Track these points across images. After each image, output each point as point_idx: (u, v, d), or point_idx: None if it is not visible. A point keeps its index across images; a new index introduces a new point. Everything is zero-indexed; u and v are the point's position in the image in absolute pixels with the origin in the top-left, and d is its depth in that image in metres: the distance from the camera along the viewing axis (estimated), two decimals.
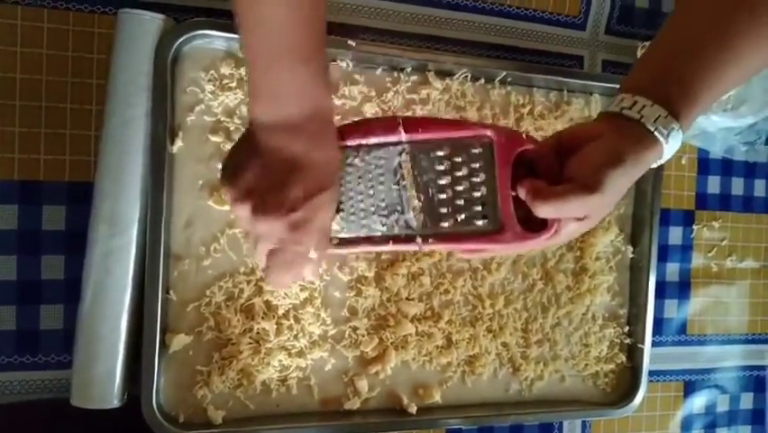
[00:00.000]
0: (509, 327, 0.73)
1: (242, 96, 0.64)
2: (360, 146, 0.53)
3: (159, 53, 0.60)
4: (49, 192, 0.63)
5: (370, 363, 0.69)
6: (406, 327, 0.69)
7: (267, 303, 0.65)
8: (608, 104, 0.53)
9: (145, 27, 0.60)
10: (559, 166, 0.52)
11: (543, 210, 0.49)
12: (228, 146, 0.64)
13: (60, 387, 0.64)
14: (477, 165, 0.53)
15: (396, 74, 0.69)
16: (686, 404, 0.89)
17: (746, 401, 0.93)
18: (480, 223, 0.53)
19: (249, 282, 0.65)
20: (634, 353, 0.80)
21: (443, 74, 0.70)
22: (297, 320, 0.66)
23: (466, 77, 0.71)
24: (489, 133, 0.53)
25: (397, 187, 0.52)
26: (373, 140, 0.52)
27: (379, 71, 0.68)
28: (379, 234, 0.54)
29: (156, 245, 0.60)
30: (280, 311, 0.65)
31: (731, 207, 0.91)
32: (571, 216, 0.51)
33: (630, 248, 0.80)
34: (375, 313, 0.69)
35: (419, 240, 0.53)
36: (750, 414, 0.93)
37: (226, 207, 0.64)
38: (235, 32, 0.62)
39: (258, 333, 0.65)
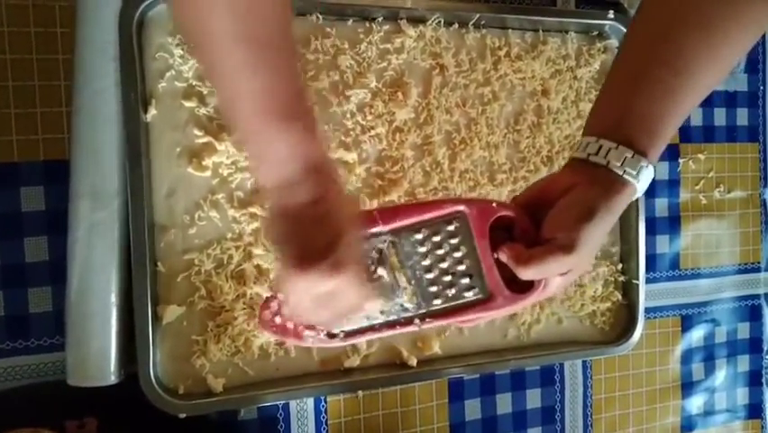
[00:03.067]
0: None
1: None
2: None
3: (122, 20, 0.59)
4: (25, 173, 0.62)
5: None
6: None
7: (258, 267, 0.65)
8: (576, 147, 0.52)
9: None
10: (535, 225, 0.52)
11: (526, 274, 0.50)
12: (203, 110, 0.63)
13: (56, 369, 0.63)
14: (456, 240, 0.54)
15: (367, 24, 0.68)
16: (684, 338, 0.89)
17: (743, 331, 0.94)
18: (470, 294, 0.54)
19: (237, 248, 0.64)
20: (629, 290, 0.80)
21: (416, 21, 0.69)
22: None
23: (439, 22, 0.69)
24: (461, 208, 0.54)
25: (386, 274, 0.54)
26: None
27: (350, 22, 0.67)
28: (380, 320, 0.55)
29: (139, 217, 0.59)
30: (272, 275, 0.65)
31: (715, 139, 0.90)
32: (553, 275, 0.52)
33: None
34: None
35: (417, 321, 0.55)
36: (747, 343, 0.94)
37: (207, 174, 0.63)
38: None
39: (251, 298, 0.64)
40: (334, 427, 0.71)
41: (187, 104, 0.62)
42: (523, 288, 0.53)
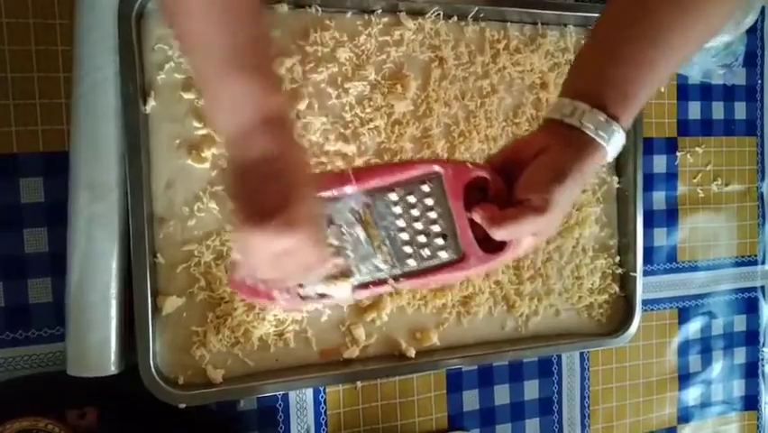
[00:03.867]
0: (501, 266, 0.74)
1: None
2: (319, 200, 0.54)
3: (122, 12, 0.59)
4: (24, 165, 0.62)
5: (366, 311, 0.69)
6: None
7: None
8: (551, 108, 0.53)
9: None
10: (508, 185, 0.53)
11: (499, 234, 0.51)
12: (202, 102, 0.62)
13: (56, 360, 0.63)
14: (430, 201, 0.54)
15: (366, 17, 0.68)
16: (681, 331, 0.90)
17: (739, 323, 0.94)
18: (443, 255, 0.54)
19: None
20: (626, 282, 0.80)
21: (415, 14, 0.69)
22: None
23: (438, 15, 0.69)
24: (435, 168, 0.54)
25: (360, 235, 0.54)
26: (328, 193, 0.53)
27: (349, 15, 0.67)
28: (356, 283, 0.55)
29: (138, 209, 0.60)
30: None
31: (713, 132, 0.91)
32: (525, 235, 0.52)
33: (615, 178, 0.80)
34: None
35: (391, 281, 0.54)
36: (743, 335, 0.95)
37: (206, 165, 0.63)
38: None
39: None
40: (333, 417, 0.72)
41: (187, 95, 0.62)
42: (495, 247, 0.54)
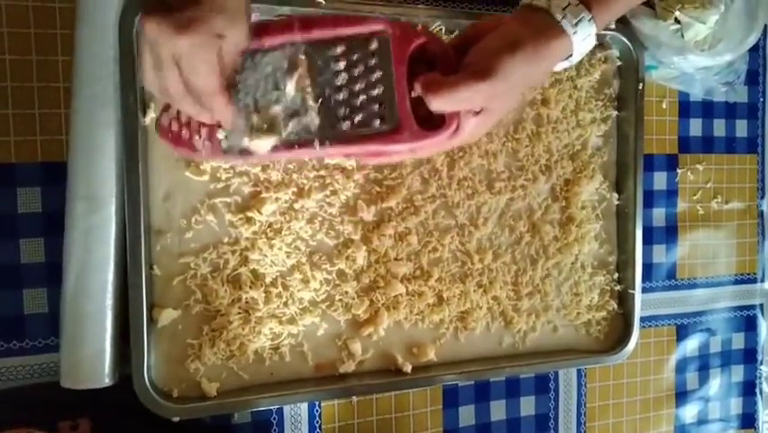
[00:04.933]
0: (499, 281, 0.73)
1: None
2: (256, 50, 0.51)
3: (123, 23, 0.58)
4: (22, 174, 0.62)
5: (363, 326, 0.68)
6: (396, 288, 0.68)
7: (254, 272, 0.65)
8: None
9: None
10: (459, 62, 0.50)
11: (436, 102, 0.48)
12: None
13: (50, 371, 0.63)
14: (373, 62, 0.51)
15: None
16: (679, 348, 0.90)
17: (738, 341, 0.94)
18: (377, 124, 0.52)
19: (234, 252, 0.64)
20: (625, 299, 0.80)
21: None
22: (286, 287, 0.65)
23: (440, 30, 0.69)
24: (383, 27, 0.51)
25: (293, 90, 0.51)
26: (269, 42, 0.50)
27: None
28: (279, 142, 0.52)
29: (136, 221, 0.59)
30: (268, 279, 0.65)
31: (714, 149, 0.90)
32: (465, 107, 0.49)
33: (615, 195, 0.79)
34: (364, 275, 0.68)
35: (317, 143, 0.52)
36: (742, 353, 0.94)
37: (205, 178, 0.63)
38: None
39: (246, 302, 0.64)
40: (328, 432, 0.72)
41: None
42: (436, 129, 0.51)
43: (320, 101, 0.51)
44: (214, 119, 0.50)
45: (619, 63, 0.78)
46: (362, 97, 0.52)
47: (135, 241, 0.59)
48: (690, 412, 0.91)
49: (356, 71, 0.52)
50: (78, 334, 0.58)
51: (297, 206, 0.65)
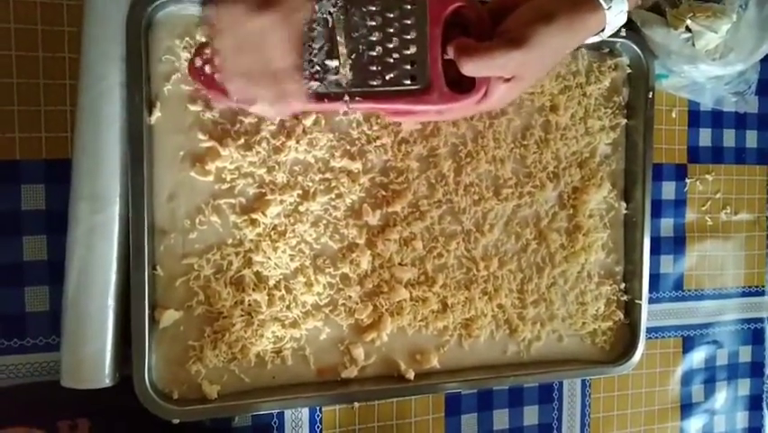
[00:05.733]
0: (504, 289, 0.73)
1: None
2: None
3: (130, 22, 0.58)
4: (26, 171, 0.61)
5: (366, 331, 0.68)
6: (400, 293, 0.68)
7: (257, 274, 0.64)
8: None
9: None
10: (494, 28, 0.51)
11: (468, 66, 0.49)
12: (208, 115, 0.62)
13: (50, 369, 0.62)
14: (409, 22, 0.52)
15: None
16: (685, 360, 0.88)
17: (744, 354, 0.93)
18: (407, 83, 0.53)
19: (237, 254, 0.63)
20: (631, 310, 0.79)
21: None
22: (289, 290, 0.65)
23: None
24: None
25: (327, 43, 0.52)
26: None
27: None
28: (310, 91, 0.53)
29: (139, 221, 0.59)
30: (271, 282, 0.64)
31: (723, 160, 0.90)
32: (496, 73, 0.50)
33: (623, 204, 0.79)
34: (368, 280, 0.68)
35: (346, 98, 0.53)
36: (749, 367, 0.93)
37: (209, 178, 0.62)
38: None
39: (249, 305, 0.64)
40: None
41: (193, 107, 0.62)
42: (465, 91, 0.52)
43: (353, 56, 0.52)
44: (288, 106, 0.51)
45: (629, 71, 0.77)
46: (395, 56, 0.52)
47: (138, 241, 0.59)
48: (695, 425, 0.90)
49: (391, 29, 0.52)
50: (80, 333, 0.58)
51: (301, 208, 0.65)
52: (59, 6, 0.61)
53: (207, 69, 0.53)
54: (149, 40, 0.60)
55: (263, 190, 0.64)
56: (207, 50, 0.53)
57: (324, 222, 0.66)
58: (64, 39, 0.62)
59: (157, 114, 0.60)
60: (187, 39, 0.61)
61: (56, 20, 0.61)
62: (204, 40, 0.55)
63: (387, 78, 0.53)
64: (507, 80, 0.51)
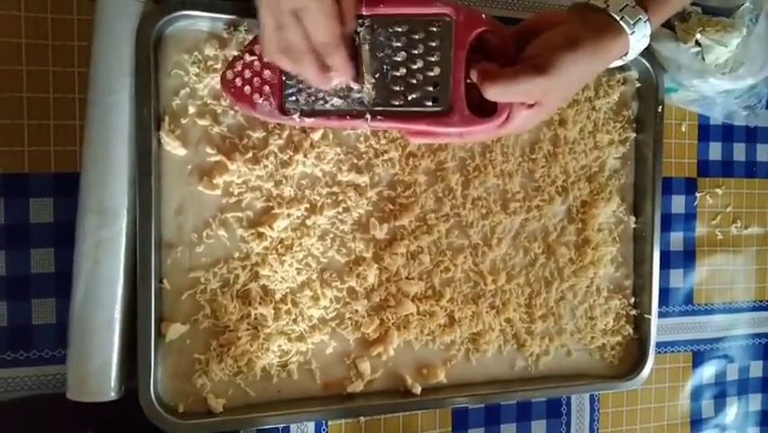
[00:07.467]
0: (512, 303, 0.72)
1: None
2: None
3: (140, 36, 0.59)
4: (35, 184, 0.62)
5: (372, 345, 0.67)
6: (407, 307, 0.67)
7: (263, 288, 0.64)
8: None
9: (125, 10, 0.59)
10: (517, 54, 0.51)
11: (491, 91, 0.49)
12: (216, 129, 0.62)
13: (56, 382, 0.62)
14: (434, 44, 0.53)
15: None
16: (695, 375, 0.88)
17: (756, 369, 0.92)
18: (429, 104, 0.53)
19: (244, 268, 0.63)
20: (640, 324, 0.78)
21: None
22: (296, 304, 0.65)
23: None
24: (448, 11, 0.52)
25: (353, 61, 0.52)
26: None
27: None
28: (333, 108, 0.54)
29: (147, 234, 0.59)
30: (278, 296, 0.64)
31: (733, 174, 0.89)
32: (519, 99, 0.50)
33: (633, 218, 0.78)
34: (375, 294, 0.68)
35: (368, 116, 0.54)
36: (760, 382, 0.92)
37: (217, 192, 0.63)
38: (218, 12, 0.61)
39: (256, 318, 0.64)
40: None
41: (201, 122, 0.62)
42: (486, 115, 0.52)
43: (377, 75, 0.53)
44: (333, 77, 0.51)
45: (639, 85, 0.77)
46: (419, 77, 0.53)
47: (145, 254, 0.59)
48: None
49: (415, 51, 0.53)
50: (86, 346, 0.58)
51: (308, 222, 0.65)
52: (69, 21, 0.62)
53: (238, 81, 0.55)
54: (158, 54, 0.61)
55: (270, 204, 0.64)
56: (239, 64, 0.55)
57: (331, 235, 0.66)
58: (74, 53, 0.62)
59: (166, 128, 0.61)
60: (196, 54, 0.61)
61: (66, 35, 0.62)
62: (236, 53, 0.55)
63: (409, 98, 0.53)
64: (530, 106, 0.51)
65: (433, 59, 0.53)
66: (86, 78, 0.60)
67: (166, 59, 0.61)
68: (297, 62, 0.50)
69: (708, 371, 0.88)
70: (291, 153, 0.64)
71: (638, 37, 0.50)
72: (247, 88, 0.55)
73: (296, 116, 0.55)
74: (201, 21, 0.62)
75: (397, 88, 0.53)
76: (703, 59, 0.75)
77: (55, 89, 0.62)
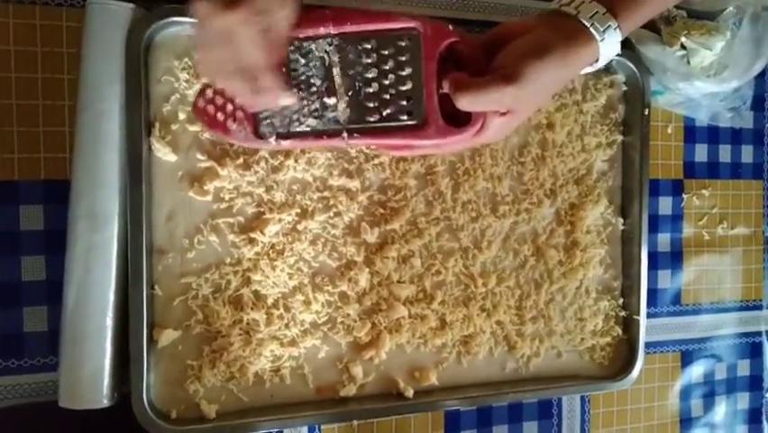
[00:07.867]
0: (503, 305, 0.73)
1: None
2: (291, 40, 0.52)
3: (130, 43, 0.59)
4: (25, 192, 0.61)
5: (364, 349, 0.68)
6: (398, 311, 0.68)
7: (255, 293, 0.64)
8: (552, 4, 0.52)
9: (114, 17, 0.59)
10: (488, 62, 0.51)
11: (463, 101, 0.49)
12: (206, 135, 0.62)
13: (48, 390, 0.62)
14: (404, 58, 0.53)
15: None
16: (684, 374, 0.89)
17: (743, 368, 0.93)
18: (404, 118, 0.53)
19: (236, 273, 0.63)
20: (629, 325, 0.79)
21: None
22: (288, 309, 0.65)
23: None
24: (415, 25, 0.53)
25: (325, 81, 0.53)
26: (302, 34, 0.52)
27: None
28: (309, 129, 0.54)
29: (138, 240, 0.59)
30: (269, 301, 0.64)
31: (719, 175, 0.90)
32: (492, 107, 0.50)
33: (620, 220, 0.79)
34: (367, 298, 0.68)
35: (345, 135, 0.53)
36: (747, 380, 0.93)
37: (208, 198, 0.63)
38: None
39: (248, 324, 0.64)
40: None
41: (191, 128, 0.62)
42: (461, 125, 0.52)
43: (350, 93, 0.53)
44: (261, 98, 0.51)
45: (625, 88, 0.78)
46: (391, 92, 0.53)
47: (137, 260, 0.59)
48: None
49: (386, 66, 0.53)
50: (78, 353, 0.58)
51: (300, 227, 0.65)
52: (58, 28, 0.62)
53: (210, 109, 0.54)
54: (148, 60, 0.61)
55: (262, 209, 0.64)
56: (209, 91, 0.54)
57: (323, 240, 0.67)
58: (63, 60, 0.62)
59: (156, 134, 0.61)
60: (186, 60, 0.61)
61: (55, 41, 0.62)
62: (205, 81, 0.55)
63: (384, 113, 0.53)
64: (504, 114, 0.51)
65: (404, 73, 0.53)
66: (75, 85, 0.60)
67: (156, 65, 0.61)
68: (228, 81, 0.50)
69: (696, 370, 0.89)
70: (282, 159, 0.64)
71: (608, 44, 0.50)
72: (220, 115, 0.54)
73: (272, 140, 0.54)
74: (190, 27, 0.61)
75: (372, 105, 0.53)
76: (688, 62, 0.76)
77: (44, 96, 0.62)
